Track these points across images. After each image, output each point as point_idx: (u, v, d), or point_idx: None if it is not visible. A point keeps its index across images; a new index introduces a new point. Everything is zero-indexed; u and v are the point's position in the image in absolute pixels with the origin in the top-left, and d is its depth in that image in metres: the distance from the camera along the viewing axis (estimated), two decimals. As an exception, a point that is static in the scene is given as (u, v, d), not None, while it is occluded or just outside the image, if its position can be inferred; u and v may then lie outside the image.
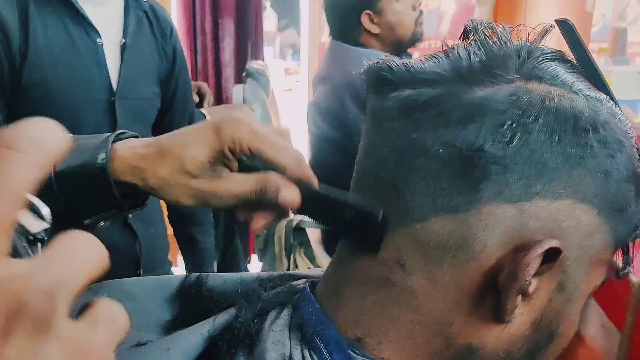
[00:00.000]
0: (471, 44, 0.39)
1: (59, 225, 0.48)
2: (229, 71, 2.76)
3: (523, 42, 0.40)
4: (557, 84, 0.38)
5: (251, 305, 0.43)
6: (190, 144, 0.47)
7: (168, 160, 0.47)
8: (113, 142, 0.50)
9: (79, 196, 0.50)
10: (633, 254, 0.44)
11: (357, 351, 0.39)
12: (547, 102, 0.37)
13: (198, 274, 0.48)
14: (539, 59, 0.39)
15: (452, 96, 0.37)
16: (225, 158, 0.47)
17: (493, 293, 0.37)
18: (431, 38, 2.80)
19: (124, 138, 0.51)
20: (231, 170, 0.48)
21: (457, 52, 0.39)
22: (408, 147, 0.38)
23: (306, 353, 0.39)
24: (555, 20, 0.42)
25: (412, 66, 0.40)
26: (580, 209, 0.37)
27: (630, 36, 2.68)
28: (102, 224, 0.53)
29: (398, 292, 0.39)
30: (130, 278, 0.51)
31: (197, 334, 0.41)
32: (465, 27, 0.41)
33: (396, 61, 0.40)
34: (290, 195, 0.45)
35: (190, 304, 0.46)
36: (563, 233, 0.37)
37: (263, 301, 0.43)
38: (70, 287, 0.21)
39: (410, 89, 0.39)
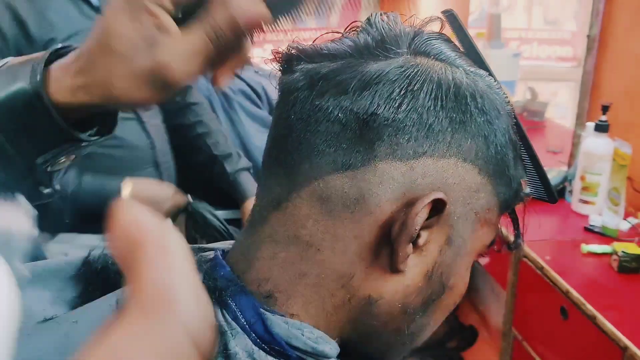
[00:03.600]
0: (367, 26, 0.44)
1: (12, 168, 0.45)
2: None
3: (412, 26, 0.45)
4: (441, 59, 0.43)
5: None
6: (109, 22, 0.41)
7: (99, 56, 0.42)
8: (46, 63, 0.44)
9: (17, 130, 0.44)
10: (523, 228, 0.50)
11: (267, 308, 0.41)
12: (431, 73, 0.41)
13: (102, 250, 0.48)
14: (426, 38, 0.44)
15: (350, 67, 0.41)
16: (151, 14, 0.40)
17: (388, 245, 0.40)
18: (322, 28, 2.85)
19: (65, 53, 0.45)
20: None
21: (355, 32, 0.44)
22: (312, 113, 0.42)
23: (219, 313, 0.40)
24: (441, 12, 0.47)
25: (316, 45, 0.44)
26: (464, 168, 0.42)
27: (504, 22, 2.87)
28: (62, 161, 0.47)
29: (304, 247, 0.42)
30: (35, 262, 0.51)
31: (106, 304, 0.42)
32: (368, 17, 0.45)
33: (301, 44, 0.45)
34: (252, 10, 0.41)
35: (95, 279, 0.47)
36: (449, 189, 0.41)
37: None
38: None
39: (314, 63, 0.43)
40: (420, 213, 0.39)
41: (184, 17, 0.41)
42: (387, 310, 0.43)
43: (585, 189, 1.57)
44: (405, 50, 0.43)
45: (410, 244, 0.40)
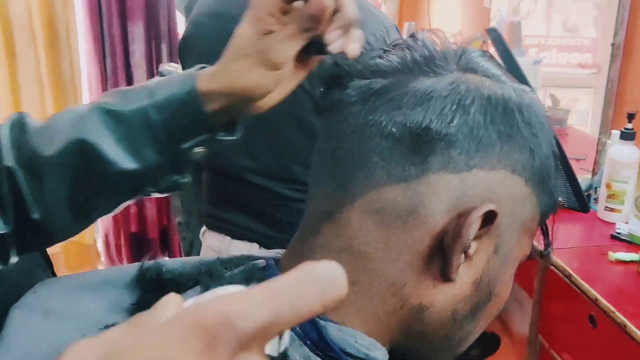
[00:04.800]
0: (414, 43, 0.46)
1: (163, 153, 0.57)
2: (140, 74, 2.71)
3: (457, 43, 0.47)
4: (488, 76, 0.45)
5: (218, 283, 0.45)
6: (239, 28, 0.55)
7: (236, 58, 0.55)
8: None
9: (174, 122, 0.56)
10: (552, 237, 0.51)
11: (321, 315, 0.42)
12: (481, 89, 0.43)
13: (154, 259, 0.50)
14: (473, 56, 0.46)
15: (402, 84, 0.43)
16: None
17: (440, 254, 0.42)
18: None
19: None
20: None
21: (404, 48, 0.46)
22: (365, 128, 0.43)
23: None
24: (485, 30, 0.49)
25: (365, 61, 0.46)
26: (512, 180, 0.43)
27: (523, 29, 2.87)
28: (197, 150, 0.58)
29: (357, 257, 0.43)
30: (82, 272, 0.52)
31: None
32: (413, 33, 0.47)
33: (349, 60, 0.47)
34: None
35: (151, 286, 0.48)
36: (498, 200, 0.42)
37: (228, 279, 0.46)
38: (278, 326, 0.23)
39: (365, 79, 0.45)
40: (474, 224, 0.40)
41: None
42: (438, 318, 0.44)
43: (611, 196, 1.56)
44: (454, 67, 0.45)
45: (463, 254, 0.42)
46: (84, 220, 0.62)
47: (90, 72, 2.63)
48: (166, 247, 2.91)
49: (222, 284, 0.45)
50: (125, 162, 0.57)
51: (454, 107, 0.42)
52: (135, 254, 2.86)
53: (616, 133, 1.61)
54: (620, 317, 1.14)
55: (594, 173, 1.79)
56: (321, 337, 0.41)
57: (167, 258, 0.53)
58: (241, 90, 0.55)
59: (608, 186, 1.57)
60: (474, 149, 0.42)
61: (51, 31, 2.44)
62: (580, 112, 3.16)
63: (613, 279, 1.32)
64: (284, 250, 0.54)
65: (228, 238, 1.23)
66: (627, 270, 1.33)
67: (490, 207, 0.41)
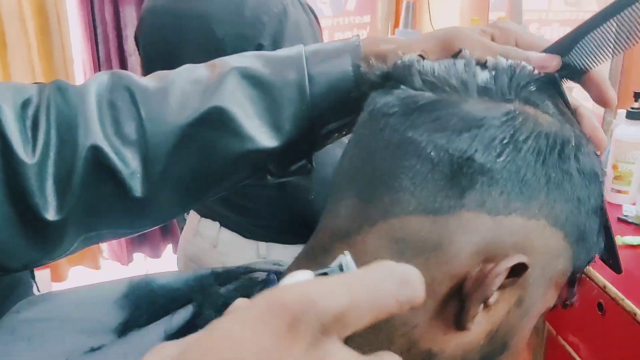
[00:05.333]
0: (476, 60, 0.41)
1: (304, 132, 0.51)
2: (134, 60, 2.66)
3: (519, 67, 0.41)
4: (550, 113, 0.40)
5: (211, 300, 0.42)
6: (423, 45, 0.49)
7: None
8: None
9: (329, 99, 0.51)
10: (578, 287, 0.47)
11: None
12: (539, 126, 0.38)
13: (145, 273, 0.47)
14: (536, 85, 0.41)
15: (452, 104, 0.39)
16: None
17: (457, 300, 0.38)
18: (338, 15, 2.82)
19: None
20: None
21: (468, 65, 0.41)
22: (401, 145, 0.39)
23: None
24: (547, 73, 0.44)
25: (424, 66, 0.41)
26: (551, 231, 0.39)
27: (524, 4, 2.81)
28: (337, 135, 0.54)
29: None
30: (69, 288, 0.50)
31: (154, 334, 0.41)
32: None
33: (406, 60, 0.42)
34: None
35: (142, 303, 0.45)
36: (532, 251, 0.38)
37: (223, 296, 0.43)
38: (356, 316, 0.23)
39: (413, 90, 0.40)
40: (501, 275, 0.36)
41: None
42: None
43: (617, 178, 1.53)
44: (514, 96, 0.39)
45: (482, 303, 0.38)
46: (190, 202, 0.55)
47: (83, 59, 2.58)
48: (167, 237, 2.88)
49: (216, 302, 0.42)
50: (264, 138, 0.49)
51: (506, 140, 0.37)
52: (136, 243, 2.84)
53: (622, 112, 1.57)
54: (630, 304, 1.12)
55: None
56: None
57: (157, 272, 0.50)
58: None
59: (614, 167, 1.53)
60: (517, 192, 0.37)
61: (42, 17, 2.39)
62: (583, 91, 3.12)
63: (622, 264, 1.29)
64: (282, 262, 0.51)
65: (198, 216, 1.30)
66: (636, 255, 1.30)
67: (522, 259, 0.37)
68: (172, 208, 0.53)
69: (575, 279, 0.46)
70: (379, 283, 0.24)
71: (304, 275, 0.27)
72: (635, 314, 1.10)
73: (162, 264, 2.85)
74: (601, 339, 1.25)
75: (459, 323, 0.38)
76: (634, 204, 1.50)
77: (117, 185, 0.48)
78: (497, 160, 0.37)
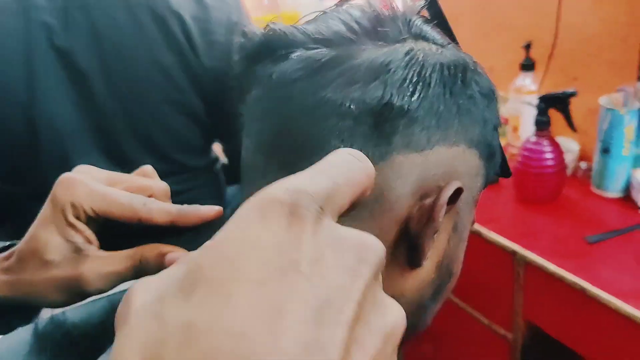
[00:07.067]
0: (360, 6, 0.41)
1: None
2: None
3: (397, 8, 0.41)
4: (440, 44, 0.41)
5: None
6: (38, 229, 0.44)
7: (27, 259, 0.44)
8: None
9: None
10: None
11: None
12: (439, 59, 0.39)
13: (49, 315, 0.43)
14: (421, 21, 0.41)
15: (353, 55, 0.38)
16: (74, 229, 0.43)
17: (405, 241, 0.38)
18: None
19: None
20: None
21: (349, 13, 0.40)
22: (317, 106, 0.38)
23: None
24: None
25: (306, 28, 0.40)
26: (469, 153, 0.41)
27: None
28: None
29: None
30: None
31: None
32: None
33: (284, 26, 0.40)
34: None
35: (60, 351, 0.41)
36: (459, 176, 0.40)
37: None
38: (340, 197, 0.24)
39: (309, 50, 0.39)
40: (444, 205, 0.37)
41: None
42: (408, 309, 0.41)
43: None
44: (407, 34, 0.40)
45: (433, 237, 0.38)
46: None
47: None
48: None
49: None
50: None
51: (415, 78, 0.38)
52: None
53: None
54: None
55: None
56: None
57: (63, 309, 0.44)
58: (33, 301, 0.47)
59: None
60: (435, 125, 0.38)
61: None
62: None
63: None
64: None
65: None
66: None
67: (457, 184, 0.38)
68: None
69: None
70: (347, 164, 0.26)
71: None
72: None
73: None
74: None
75: (414, 262, 0.39)
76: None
77: None
78: (412, 99, 0.37)
